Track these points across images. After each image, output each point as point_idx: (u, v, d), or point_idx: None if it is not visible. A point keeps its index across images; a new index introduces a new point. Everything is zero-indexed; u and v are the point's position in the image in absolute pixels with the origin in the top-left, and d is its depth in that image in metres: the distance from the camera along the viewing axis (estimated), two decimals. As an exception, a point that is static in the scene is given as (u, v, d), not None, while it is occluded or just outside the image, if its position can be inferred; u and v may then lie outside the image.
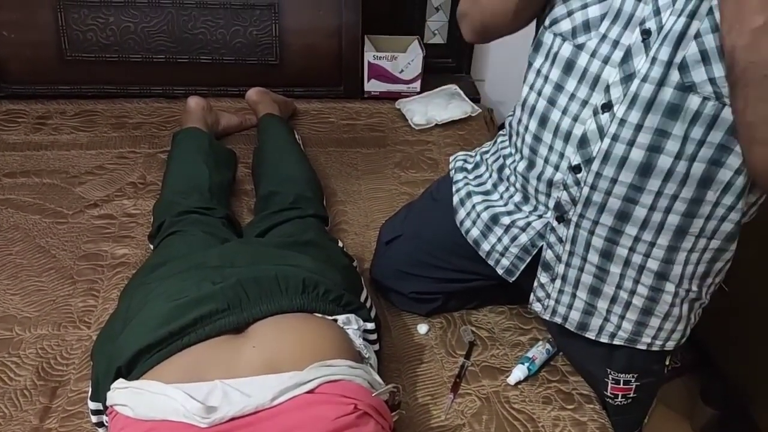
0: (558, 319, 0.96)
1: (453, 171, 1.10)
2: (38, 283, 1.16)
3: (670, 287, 0.86)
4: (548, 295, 0.95)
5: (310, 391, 0.72)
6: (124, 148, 1.52)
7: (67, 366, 1.01)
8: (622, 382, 0.96)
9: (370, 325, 0.91)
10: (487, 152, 1.07)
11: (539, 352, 1.05)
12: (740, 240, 0.85)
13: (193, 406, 0.69)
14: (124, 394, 0.74)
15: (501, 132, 1.04)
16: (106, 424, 0.81)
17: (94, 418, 0.84)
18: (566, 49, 0.81)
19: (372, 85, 1.76)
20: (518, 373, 1.02)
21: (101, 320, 1.08)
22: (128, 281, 1.04)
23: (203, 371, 0.74)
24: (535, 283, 0.96)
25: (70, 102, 1.66)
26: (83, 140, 1.54)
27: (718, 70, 0.69)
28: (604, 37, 0.77)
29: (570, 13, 0.80)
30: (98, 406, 0.82)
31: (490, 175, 1.03)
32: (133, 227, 1.29)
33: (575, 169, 0.83)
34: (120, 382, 0.76)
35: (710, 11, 0.69)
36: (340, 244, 1.12)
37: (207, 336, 0.78)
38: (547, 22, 0.84)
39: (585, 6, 0.78)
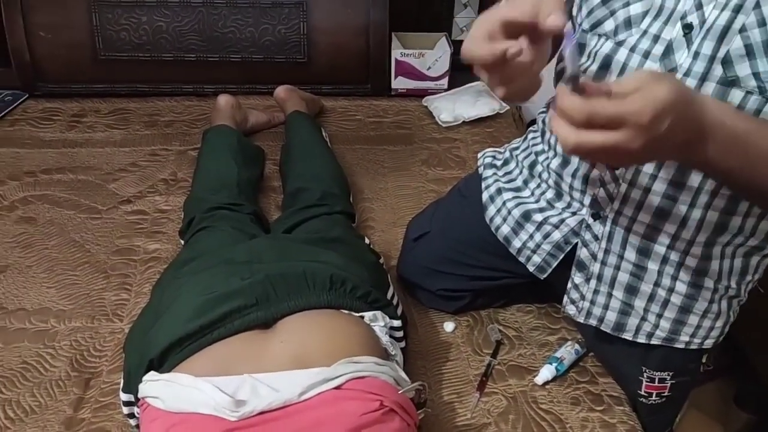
0: (593, 321, 0.94)
1: (482, 167, 1.09)
2: (73, 276, 1.19)
3: (709, 283, 0.85)
4: (583, 297, 0.93)
5: (338, 387, 0.73)
6: (156, 145, 1.55)
7: (101, 358, 1.03)
8: (657, 380, 0.94)
9: (397, 323, 0.91)
10: (516, 148, 1.05)
11: (568, 352, 1.04)
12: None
13: (222, 399, 0.70)
14: (155, 386, 0.75)
15: (532, 128, 1.03)
16: (137, 415, 0.83)
17: (125, 409, 0.86)
18: (606, 47, 0.80)
19: (399, 83, 1.76)
20: (546, 373, 1.00)
21: (134, 314, 1.10)
22: (160, 276, 1.05)
23: (232, 365, 0.75)
24: (569, 285, 0.94)
25: (104, 100, 1.70)
26: (117, 138, 1.57)
27: (763, 65, 0.67)
28: (644, 32, 0.76)
29: (612, 13, 0.79)
30: (130, 397, 0.83)
31: (521, 172, 1.01)
32: (165, 223, 1.32)
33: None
34: (152, 375, 0.77)
35: (757, 5, 0.67)
36: (367, 241, 1.12)
37: (236, 330, 0.79)
38: (587, 26, 0.82)
39: (627, 4, 0.77)
